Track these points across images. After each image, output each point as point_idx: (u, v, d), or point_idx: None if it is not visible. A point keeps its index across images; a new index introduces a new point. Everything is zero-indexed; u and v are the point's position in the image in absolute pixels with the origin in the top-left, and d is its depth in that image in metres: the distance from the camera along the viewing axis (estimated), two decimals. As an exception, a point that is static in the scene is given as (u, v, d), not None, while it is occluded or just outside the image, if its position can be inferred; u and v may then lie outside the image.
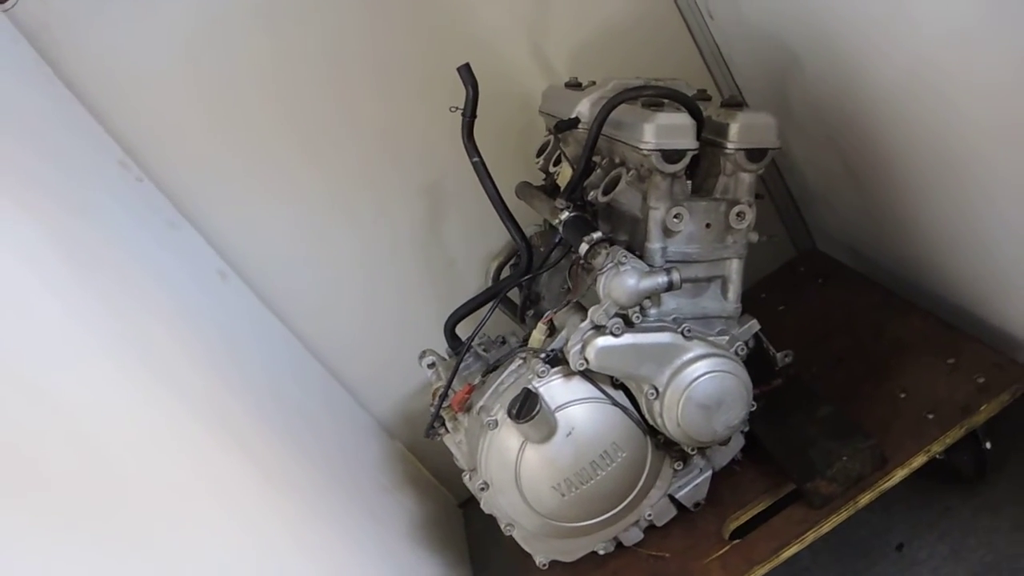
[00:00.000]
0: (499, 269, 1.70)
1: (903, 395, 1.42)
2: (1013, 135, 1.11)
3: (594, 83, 1.49)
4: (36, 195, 1.30)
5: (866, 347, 1.57)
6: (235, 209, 1.76)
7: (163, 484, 1.27)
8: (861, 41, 1.27)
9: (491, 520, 1.41)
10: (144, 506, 1.24)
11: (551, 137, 1.50)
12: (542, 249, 1.47)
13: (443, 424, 1.46)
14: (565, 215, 1.32)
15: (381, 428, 2.00)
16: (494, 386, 1.36)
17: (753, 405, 1.34)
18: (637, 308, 1.27)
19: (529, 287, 1.54)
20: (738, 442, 1.46)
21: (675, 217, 1.26)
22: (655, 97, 1.26)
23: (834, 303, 1.74)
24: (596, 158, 1.43)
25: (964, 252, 1.42)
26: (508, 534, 1.39)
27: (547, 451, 1.30)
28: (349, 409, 1.94)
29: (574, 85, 1.53)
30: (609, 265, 1.23)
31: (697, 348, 1.28)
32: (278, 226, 1.80)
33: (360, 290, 1.89)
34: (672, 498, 1.45)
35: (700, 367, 1.27)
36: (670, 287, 1.24)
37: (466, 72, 1.39)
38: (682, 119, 1.22)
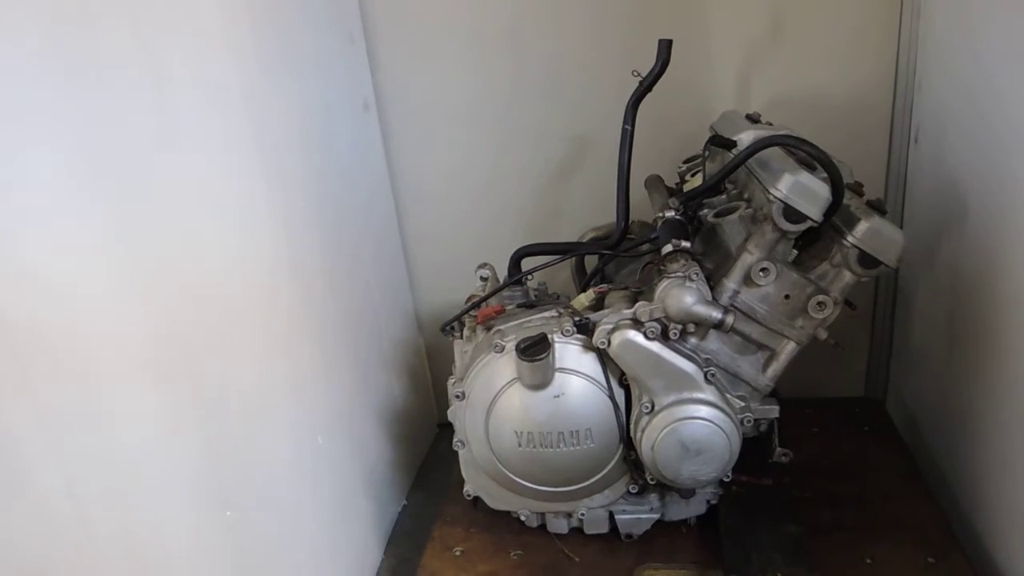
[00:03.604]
0: (592, 240, 1.71)
1: (869, 561, 1.39)
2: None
3: (771, 124, 1.48)
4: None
5: (865, 505, 1.52)
6: (417, 51, 1.83)
7: (233, 276, 1.25)
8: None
9: (454, 451, 1.45)
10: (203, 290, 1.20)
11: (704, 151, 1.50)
12: (636, 237, 1.48)
13: (462, 328, 1.50)
14: (670, 214, 1.33)
15: (415, 317, 2.06)
16: (520, 320, 1.39)
17: (728, 476, 1.33)
18: (680, 327, 1.27)
19: (604, 265, 1.56)
20: (698, 507, 1.46)
21: (762, 271, 1.26)
22: (811, 158, 1.25)
23: (863, 454, 1.69)
24: (730, 184, 1.43)
25: (1010, 480, 1.36)
26: (455, 448, 1.43)
27: (529, 398, 1.32)
28: (399, 286, 2.00)
29: (753, 119, 1.52)
30: (679, 274, 1.24)
31: (710, 394, 1.28)
32: (443, 88, 1.87)
33: (473, 185, 1.95)
34: (611, 516, 1.46)
35: (702, 410, 1.27)
36: (719, 326, 1.24)
37: (665, 48, 1.39)
38: (821, 188, 1.21)
